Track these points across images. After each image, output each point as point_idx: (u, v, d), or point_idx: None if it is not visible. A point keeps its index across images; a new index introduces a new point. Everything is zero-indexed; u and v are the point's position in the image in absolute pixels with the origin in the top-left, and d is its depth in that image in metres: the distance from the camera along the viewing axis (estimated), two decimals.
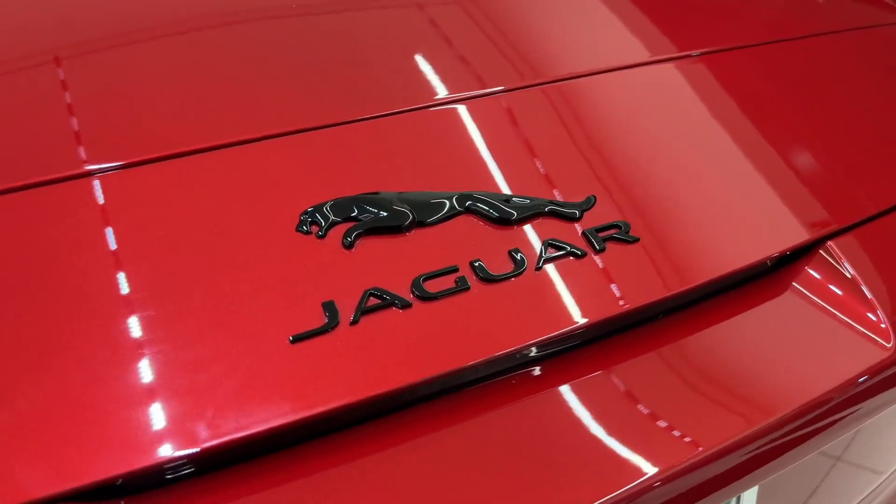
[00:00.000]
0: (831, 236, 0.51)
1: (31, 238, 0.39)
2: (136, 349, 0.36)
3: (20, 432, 0.33)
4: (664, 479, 0.37)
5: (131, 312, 0.37)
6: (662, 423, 0.40)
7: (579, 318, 0.42)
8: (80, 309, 0.37)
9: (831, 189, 0.54)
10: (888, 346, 0.46)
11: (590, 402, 0.41)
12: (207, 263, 0.40)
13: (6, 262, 0.38)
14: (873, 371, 0.45)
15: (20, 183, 0.41)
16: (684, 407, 0.41)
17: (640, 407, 0.41)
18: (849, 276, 0.49)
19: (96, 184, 0.42)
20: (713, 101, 0.59)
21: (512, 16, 0.64)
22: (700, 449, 0.38)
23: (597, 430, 0.39)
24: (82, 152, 0.44)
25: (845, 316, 0.48)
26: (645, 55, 0.61)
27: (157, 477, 0.35)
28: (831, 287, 0.49)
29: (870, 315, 0.48)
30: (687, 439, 0.39)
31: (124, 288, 0.38)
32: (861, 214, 0.53)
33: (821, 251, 0.50)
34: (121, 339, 0.36)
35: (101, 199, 0.41)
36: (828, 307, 0.48)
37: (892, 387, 0.47)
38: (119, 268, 0.39)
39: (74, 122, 0.46)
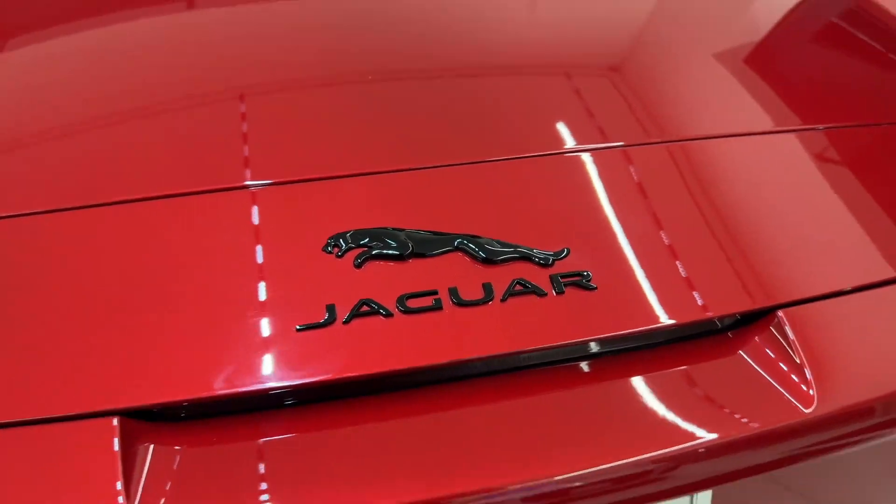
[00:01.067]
0: (782, 306, 0.58)
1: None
2: (211, 314, 0.51)
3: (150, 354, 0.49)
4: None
5: (228, 288, 0.53)
6: (559, 435, 0.50)
7: (523, 345, 0.53)
8: (210, 279, 0.53)
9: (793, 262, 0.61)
10: (806, 410, 0.53)
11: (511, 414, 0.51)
12: (269, 265, 0.55)
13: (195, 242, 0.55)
14: (786, 430, 0.52)
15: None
16: (584, 425, 0.51)
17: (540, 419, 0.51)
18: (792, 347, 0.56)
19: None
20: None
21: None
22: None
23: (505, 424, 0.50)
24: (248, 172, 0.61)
25: (775, 380, 0.55)
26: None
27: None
28: (771, 354, 0.56)
29: (798, 381, 0.54)
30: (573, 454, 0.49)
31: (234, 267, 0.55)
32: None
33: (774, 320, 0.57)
34: (208, 307, 0.52)
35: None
36: (761, 371, 0.55)
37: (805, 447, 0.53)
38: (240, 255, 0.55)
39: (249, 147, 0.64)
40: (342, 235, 0.57)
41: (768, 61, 0.84)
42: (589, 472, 0.48)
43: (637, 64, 0.83)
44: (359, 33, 0.82)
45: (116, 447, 0.45)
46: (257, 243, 0.57)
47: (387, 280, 0.55)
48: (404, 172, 0.63)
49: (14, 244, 0.56)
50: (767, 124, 0.75)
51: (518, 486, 0.47)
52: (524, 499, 0.47)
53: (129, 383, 0.48)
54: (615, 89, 0.78)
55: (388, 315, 0.53)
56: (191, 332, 0.51)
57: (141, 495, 0.45)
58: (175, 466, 0.47)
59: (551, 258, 0.58)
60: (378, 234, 0.57)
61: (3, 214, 0.58)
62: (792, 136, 0.73)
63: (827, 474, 0.61)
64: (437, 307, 0.54)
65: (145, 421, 0.48)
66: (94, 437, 0.46)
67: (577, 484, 0.48)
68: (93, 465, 0.45)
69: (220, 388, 0.49)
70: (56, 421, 0.46)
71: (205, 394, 0.48)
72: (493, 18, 0.88)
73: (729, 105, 0.77)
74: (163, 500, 0.45)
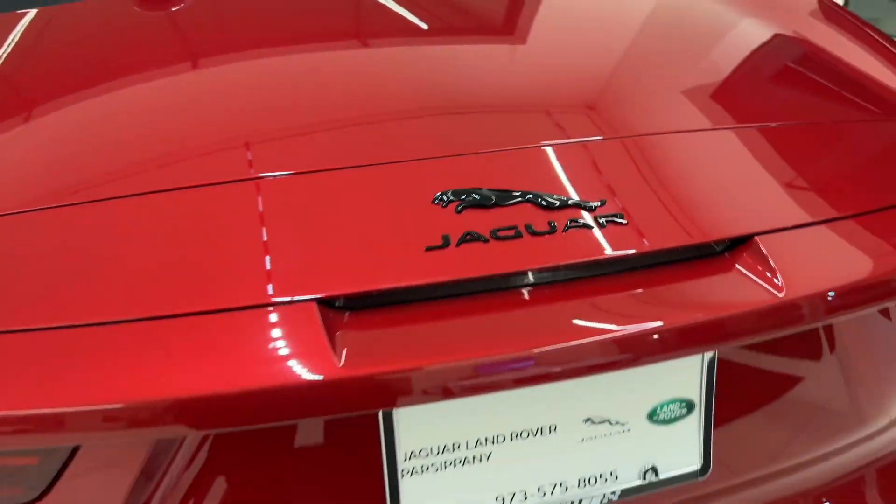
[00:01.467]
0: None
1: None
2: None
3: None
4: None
5: (384, 228, 0.77)
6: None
7: (579, 257, 0.77)
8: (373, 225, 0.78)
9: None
10: (779, 295, 0.76)
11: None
12: (408, 214, 0.79)
13: None
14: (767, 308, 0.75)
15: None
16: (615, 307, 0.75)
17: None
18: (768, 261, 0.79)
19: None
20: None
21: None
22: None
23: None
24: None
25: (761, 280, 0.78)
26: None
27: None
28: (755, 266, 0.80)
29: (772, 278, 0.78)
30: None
31: None
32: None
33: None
34: (373, 236, 0.76)
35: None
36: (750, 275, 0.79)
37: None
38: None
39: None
40: (445, 193, 0.81)
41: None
42: (626, 333, 0.72)
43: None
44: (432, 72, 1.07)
45: (321, 323, 0.69)
46: (401, 202, 0.81)
47: (481, 220, 0.79)
48: (476, 155, 0.88)
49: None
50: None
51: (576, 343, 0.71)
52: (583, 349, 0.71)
53: (326, 279, 0.72)
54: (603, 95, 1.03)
55: (486, 241, 0.76)
56: (366, 250, 0.75)
57: (345, 355, 0.68)
58: (358, 336, 0.70)
59: (594, 205, 0.81)
60: (469, 191, 0.81)
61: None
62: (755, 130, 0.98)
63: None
64: (518, 236, 0.77)
65: (333, 308, 0.72)
66: (304, 315, 0.69)
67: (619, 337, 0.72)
68: (305, 334, 0.68)
69: (385, 283, 0.72)
70: (279, 305, 0.70)
71: (374, 287, 0.72)
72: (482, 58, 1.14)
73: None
74: (358, 357, 0.68)
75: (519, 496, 0.80)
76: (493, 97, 1.00)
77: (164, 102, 0.99)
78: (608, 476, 0.83)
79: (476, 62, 1.08)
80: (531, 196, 0.81)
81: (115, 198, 0.80)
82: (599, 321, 0.74)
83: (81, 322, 0.69)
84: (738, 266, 0.80)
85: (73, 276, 0.73)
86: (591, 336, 0.72)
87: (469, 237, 0.76)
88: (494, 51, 1.15)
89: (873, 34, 1.23)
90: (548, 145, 0.89)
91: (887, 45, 1.19)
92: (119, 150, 0.88)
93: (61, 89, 1.03)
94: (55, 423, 0.65)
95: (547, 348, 0.70)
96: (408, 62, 1.10)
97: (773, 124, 0.98)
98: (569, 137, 0.92)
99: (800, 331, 0.81)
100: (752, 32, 1.20)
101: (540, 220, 0.79)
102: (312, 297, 0.70)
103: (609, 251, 0.77)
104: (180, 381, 0.66)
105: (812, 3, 1.35)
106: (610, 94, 1.02)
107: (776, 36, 1.20)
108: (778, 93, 1.10)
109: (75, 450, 0.69)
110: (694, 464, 0.85)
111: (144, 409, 0.66)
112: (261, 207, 0.80)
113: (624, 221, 0.80)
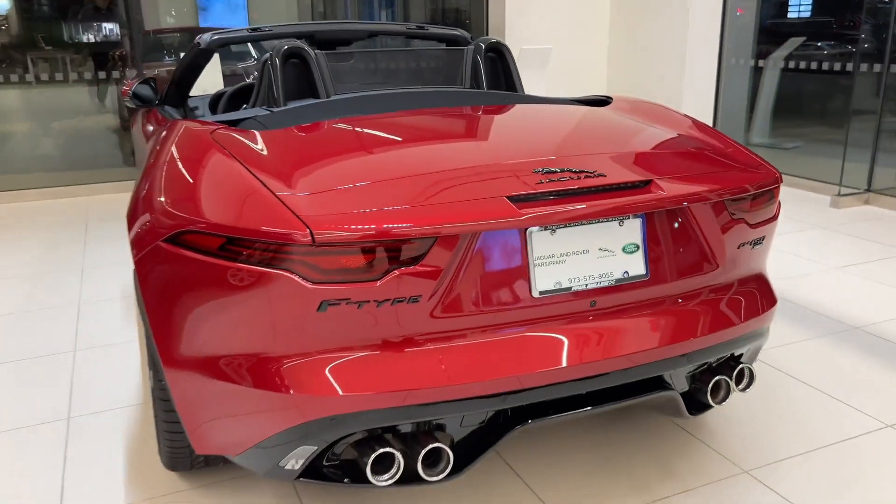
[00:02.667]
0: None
1: None
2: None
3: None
4: None
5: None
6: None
7: (588, 185, 2.02)
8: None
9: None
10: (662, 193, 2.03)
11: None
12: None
13: None
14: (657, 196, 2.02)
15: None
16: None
17: None
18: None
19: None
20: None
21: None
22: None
23: None
24: None
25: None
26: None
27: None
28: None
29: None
30: None
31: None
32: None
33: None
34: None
35: None
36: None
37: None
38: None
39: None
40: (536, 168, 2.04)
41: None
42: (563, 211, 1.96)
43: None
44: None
45: (509, 202, 1.88)
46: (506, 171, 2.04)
47: (546, 177, 2.02)
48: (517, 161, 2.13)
49: None
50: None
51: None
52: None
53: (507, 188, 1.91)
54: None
55: (554, 176, 1.99)
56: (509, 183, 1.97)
57: (519, 209, 1.86)
58: (522, 207, 1.89)
59: (590, 171, 2.06)
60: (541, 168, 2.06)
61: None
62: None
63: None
64: (562, 179, 2.00)
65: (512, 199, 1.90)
66: (499, 201, 1.88)
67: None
68: (503, 206, 1.87)
69: (524, 190, 1.92)
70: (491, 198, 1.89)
71: (523, 192, 1.92)
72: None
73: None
74: (524, 209, 1.87)
75: (575, 280, 1.98)
76: (514, 144, 2.29)
77: (396, 152, 2.23)
78: (609, 274, 2.03)
79: (502, 134, 2.39)
80: (548, 170, 2.05)
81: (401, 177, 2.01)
82: (600, 201, 1.96)
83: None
84: (652, 185, 2.05)
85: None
86: (600, 201, 1.94)
87: (547, 176, 1.99)
88: (515, 129, 2.46)
89: (721, 135, 2.58)
90: (547, 158, 2.16)
91: (733, 143, 2.52)
92: (389, 163, 2.11)
93: (357, 148, 2.27)
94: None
95: (585, 205, 1.92)
96: (478, 134, 2.40)
97: (663, 156, 2.30)
98: (559, 154, 2.20)
99: (676, 208, 2.05)
100: (651, 130, 2.56)
101: (565, 176, 2.02)
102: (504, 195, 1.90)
103: (601, 182, 2.01)
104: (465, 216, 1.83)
105: (687, 120, 2.72)
106: (569, 142, 2.34)
107: (663, 131, 2.56)
108: (665, 153, 2.42)
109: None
110: (642, 271, 2.06)
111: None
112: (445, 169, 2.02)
113: (606, 175, 2.05)
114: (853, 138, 6.46)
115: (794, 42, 7.45)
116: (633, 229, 2.04)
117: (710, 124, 5.72)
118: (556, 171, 1.96)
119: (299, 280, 1.73)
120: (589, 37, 7.31)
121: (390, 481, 1.85)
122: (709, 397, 2.22)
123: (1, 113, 6.92)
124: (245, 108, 3.17)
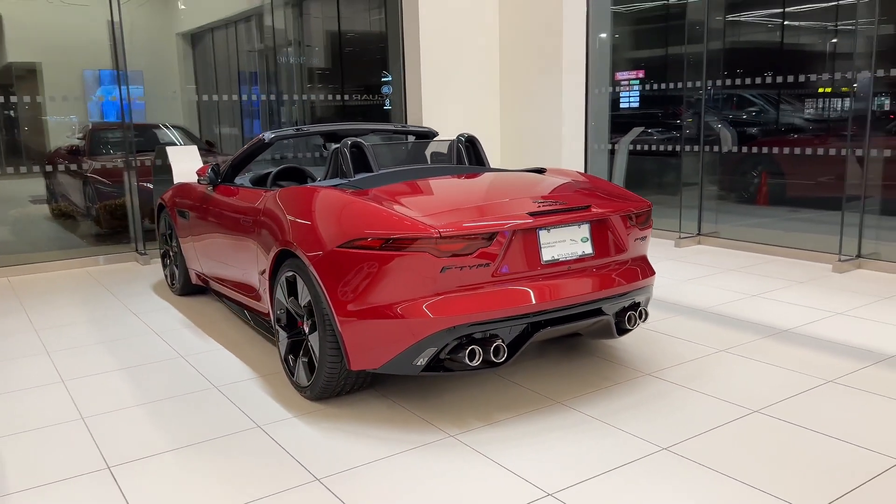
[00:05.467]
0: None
1: None
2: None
3: None
4: None
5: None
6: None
7: (559, 207, 3.87)
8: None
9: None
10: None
11: None
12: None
13: None
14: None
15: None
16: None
17: None
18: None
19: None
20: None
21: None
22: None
23: None
24: None
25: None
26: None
27: None
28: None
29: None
30: None
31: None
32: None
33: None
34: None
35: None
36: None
37: None
38: None
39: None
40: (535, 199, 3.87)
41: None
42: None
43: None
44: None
45: (528, 216, 3.67)
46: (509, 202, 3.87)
47: (538, 206, 3.84)
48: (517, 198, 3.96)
49: None
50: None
51: None
52: None
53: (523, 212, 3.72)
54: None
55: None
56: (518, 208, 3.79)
57: (533, 219, 3.66)
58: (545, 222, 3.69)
59: (559, 203, 3.90)
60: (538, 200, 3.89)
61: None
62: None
63: None
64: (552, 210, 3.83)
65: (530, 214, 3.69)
66: (523, 216, 3.67)
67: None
68: (525, 220, 3.66)
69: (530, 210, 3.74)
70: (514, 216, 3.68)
71: (531, 211, 3.73)
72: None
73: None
74: (541, 220, 3.67)
75: (561, 255, 3.76)
76: (514, 190, 4.15)
77: (455, 194, 4.01)
78: (576, 252, 3.83)
79: (503, 185, 4.25)
80: (538, 201, 3.89)
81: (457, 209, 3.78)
82: (569, 215, 3.79)
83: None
84: (592, 207, 3.92)
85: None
86: (568, 215, 3.77)
87: (541, 204, 3.81)
88: (509, 183, 4.34)
89: (616, 185, 4.53)
90: (537, 195, 4.01)
91: (624, 189, 4.46)
92: (457, 199, 3.92)
93: (431, 193, 4.04)
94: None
95: (562, 217, 3.74)
96: (489, 185, 4.24)
97: (591, 194, 4.21)
98: (541, 195, 4.05)
99: (604, 219, 3.93)
100: (579, 182, 4.50)
101: (544, 206, 3.86)
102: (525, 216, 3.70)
103: (567, 206, 3.85)
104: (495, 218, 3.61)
105: (594, 177, 4.67)
106: (542, 189, 4.22)
107: (584, 182, 4.49)
108: (591, 192, 4.33)
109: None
110: (591, 251, 3.88)
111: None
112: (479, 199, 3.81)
113: (567, 203, 3.89)
114: (685, 199, 8.87)
115: (635, 131, 9.94)
116: (584, 230, 3.89)
117: None
118: (544, 202, 3.80)
119: (432, 256, 3.43)
120: (487, 124, 9.36)
121: (476, 363, 3.53)
122: (626, 324, 4.07)
123: None
124: (319, 181, 4.78)
